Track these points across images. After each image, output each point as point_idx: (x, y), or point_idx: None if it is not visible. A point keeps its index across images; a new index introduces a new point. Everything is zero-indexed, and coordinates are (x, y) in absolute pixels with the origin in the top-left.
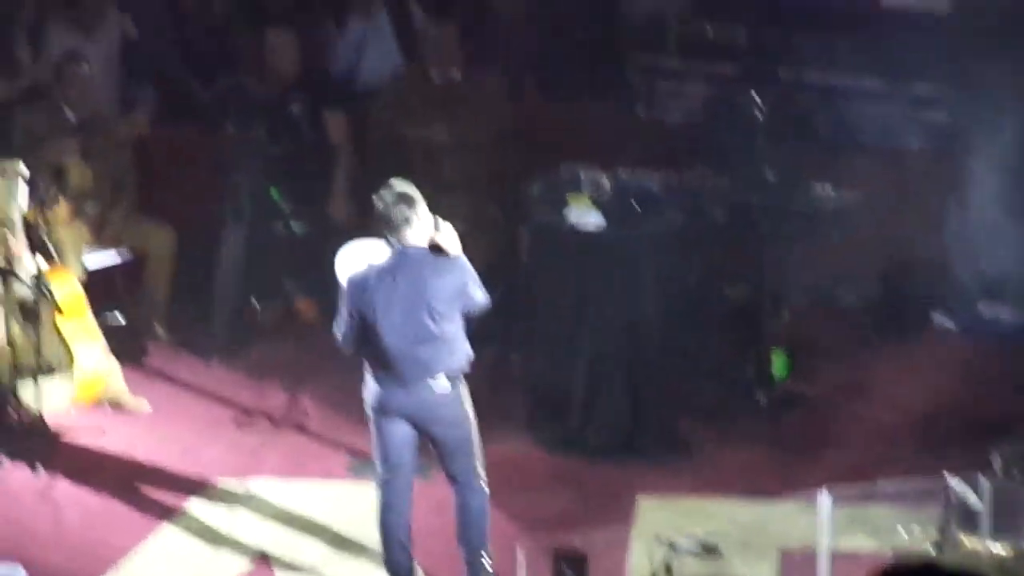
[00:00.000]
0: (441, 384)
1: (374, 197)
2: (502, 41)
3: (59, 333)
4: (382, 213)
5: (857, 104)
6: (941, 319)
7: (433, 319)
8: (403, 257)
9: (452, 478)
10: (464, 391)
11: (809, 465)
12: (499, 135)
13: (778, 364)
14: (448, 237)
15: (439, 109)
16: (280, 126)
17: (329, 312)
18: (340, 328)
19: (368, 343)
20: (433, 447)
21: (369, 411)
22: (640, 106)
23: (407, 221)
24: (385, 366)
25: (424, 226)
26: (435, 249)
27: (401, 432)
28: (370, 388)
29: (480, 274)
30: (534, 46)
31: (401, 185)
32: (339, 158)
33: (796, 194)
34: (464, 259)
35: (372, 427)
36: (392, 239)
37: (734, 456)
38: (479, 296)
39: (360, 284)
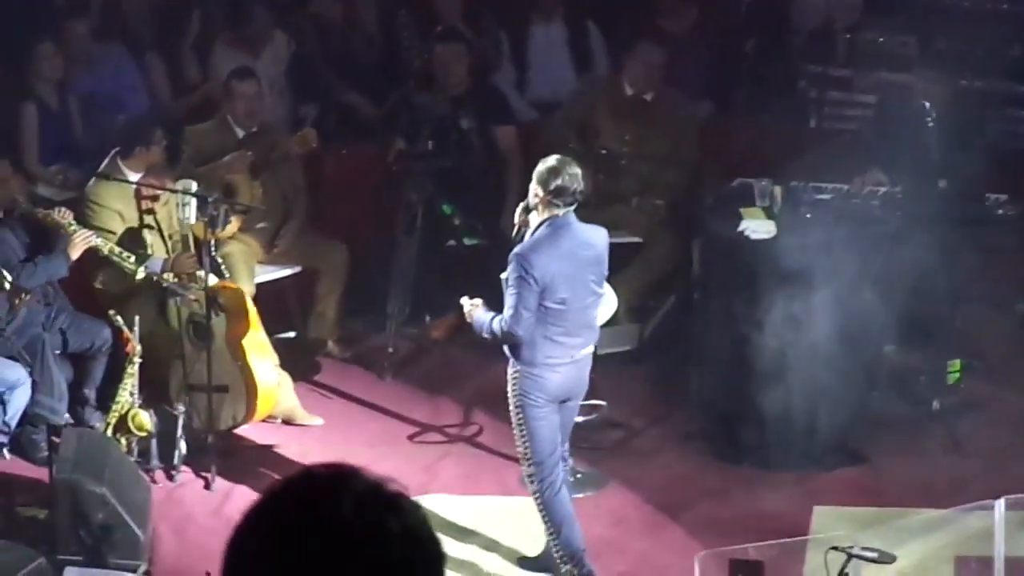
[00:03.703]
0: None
1: (552, 171)
2: (674, 58)
3: (230, 349)
4: (564, 187)
5: None
6: None
7: (598, 280)
8: (571, 226)
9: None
10: None
11: (985, 472)
12: (679, 149)
13: (953, 372)
14: None
15: (627, 123)
16: (450, 140)
17: None
18: (520, 312)
19: (544, 321)
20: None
21: (537, 407)
22: (811, 117)
23: (581, 192)
24: (560, 337)
25: None
26: None
27: (556, 418)
28: (544, 380)
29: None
30: (705, 62)
31: (571, 162)
32: (510, 171)
33: (968, 202)
34: None
35: (536, 423)
36: (563, 210)
37: (909, 465)
38: None
39: (544, 253)
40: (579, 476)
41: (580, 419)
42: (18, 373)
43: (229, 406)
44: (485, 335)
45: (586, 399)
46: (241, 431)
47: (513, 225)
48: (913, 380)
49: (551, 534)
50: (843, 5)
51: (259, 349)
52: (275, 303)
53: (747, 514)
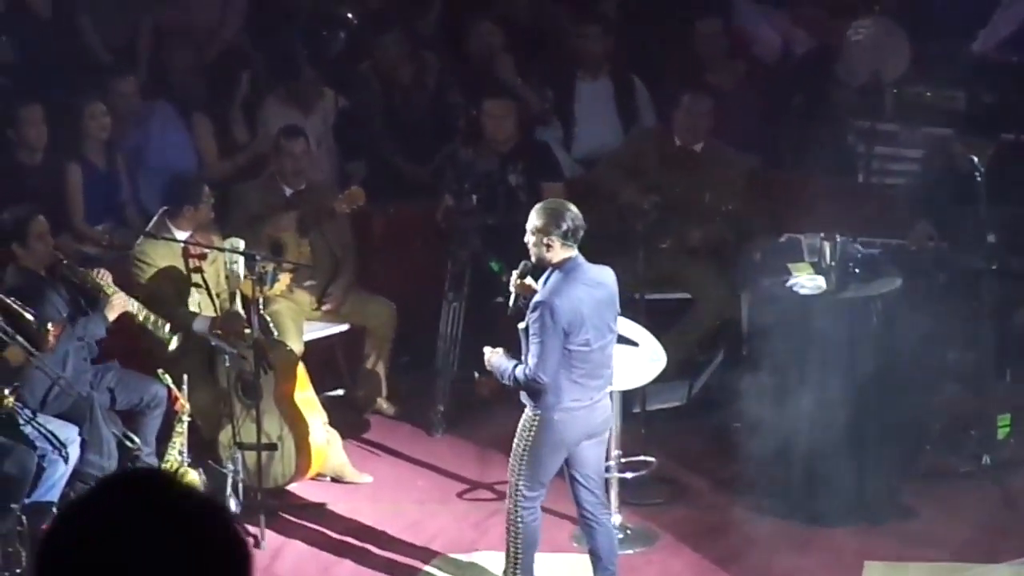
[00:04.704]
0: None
1: (557, 215)
2: (722, 113)
3: (279, 406)
4: (575, 228)
5: None
6: None
7: (614, 319)
8: (582, 267)
9: (597, 504)
10: None
11: None
12: (727, 201)
13: (1003, 426)
14: None
15: (676, 173)
16: (498, 196)
17: None
18: (546, 360)
19: (568, 364)
20: (578, 470)
21: (553, 451)
22: (859, 171)
23: (584, 227)
24: (582, 379)
25: None
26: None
27: (559, 465)
28: (564, 424)
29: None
30: (752, 117)
31: (565, 201)
32: None
33: (1017, 256)
34: None
35: (545, 460)
36: (575, 252)
37: (960, 519)
38: None
39: (566, 298)
40: (629, 532)
41: (629, 475)
42: (68, 432)
43: (278, 464)
44: (506, 381)
45: (635, 455)
46: (291, 489)
47: (510, 295)
48: (963, 434)
49: (516, 559)
50: (890, 59)
51: (308, 407)
52: (323, 361)
53: (798, 569)
